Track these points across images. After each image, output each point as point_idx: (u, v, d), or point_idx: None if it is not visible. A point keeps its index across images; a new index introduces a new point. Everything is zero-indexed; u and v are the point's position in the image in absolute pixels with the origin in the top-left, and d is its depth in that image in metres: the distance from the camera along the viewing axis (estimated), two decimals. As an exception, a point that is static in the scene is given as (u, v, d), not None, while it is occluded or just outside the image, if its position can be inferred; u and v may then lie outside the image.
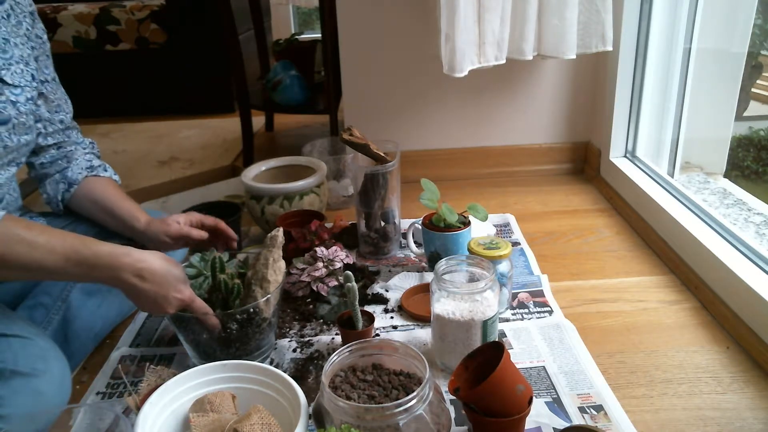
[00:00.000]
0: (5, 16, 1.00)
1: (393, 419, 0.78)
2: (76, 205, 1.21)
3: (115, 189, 1.22)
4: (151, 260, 0.94)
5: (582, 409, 0.95)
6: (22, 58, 1.02)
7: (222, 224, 1.22)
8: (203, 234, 1.19)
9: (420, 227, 1.34)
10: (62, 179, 1.19)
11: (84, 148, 1.23)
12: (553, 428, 0.90)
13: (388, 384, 0.88)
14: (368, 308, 1.18)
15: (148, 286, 0.93)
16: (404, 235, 1.43)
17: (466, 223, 1.30)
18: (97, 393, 1.04)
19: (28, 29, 1.06)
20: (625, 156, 1.78)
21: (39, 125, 1.12)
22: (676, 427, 0.93)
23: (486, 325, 1.00)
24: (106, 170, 1.24)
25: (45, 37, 1.12)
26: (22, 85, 1.01)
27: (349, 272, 1.04)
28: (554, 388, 1.00)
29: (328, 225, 1.46)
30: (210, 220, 1.22)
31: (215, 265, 1.06)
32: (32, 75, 1.04)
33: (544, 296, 1.27)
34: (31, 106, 1.04)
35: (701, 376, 1.03)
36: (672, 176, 1.61)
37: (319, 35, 2.29)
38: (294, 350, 1.12)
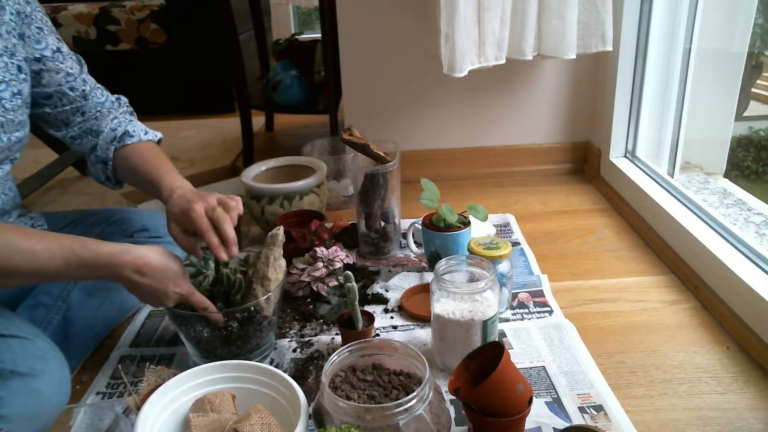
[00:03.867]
0: None
1: (393, 419, 0.78)
2: (122, 179, 1.20)
3: (141, 159, 1.14)
4: (150, 256, 0.94)
5: (582, 409, 0.95)
6: (6, 50, 0.97)
7: (225, 225, 1.00)
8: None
9: (420, 227, 1.34)
10: (97, 160, 1.16)
11: (109, 111, 1.16)
12: (553, 428, 0.90)
13: (388, 384, 0.88)
14: (368, 308, 1.18)
15: (147, 281, 0.93)
16: (404, 235, 1.43)
17: (466, 223, 1.30)
18: (97, 393, 1.04)
19: (12, 13, 0.99)
20: (625, 156, 1.78)
21: (53, 99, 1.08)
22: (676, 427, 0.93)
23: (486, 325, 1.00)
24: (132, 136, 1.16)
25: (30, 8, 1.03)
26: (6, 80, 0.97)
27: (349, 272, 1.04)
28: (554, 388, 1.00)
29: (328, 225, 1.46)
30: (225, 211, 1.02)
31: None
32: (18, 66, 0.99)
33: (544, 296, 1.27)
34: (19, 101, 1.00)
35: (701, 376, 1.03)
36: (672, 176, 1.61)
37: (319, 35, 2.29)
38: (294, 350, 1.12)
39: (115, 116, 1.17)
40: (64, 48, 1.10)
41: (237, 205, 1.04)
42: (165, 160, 1.15)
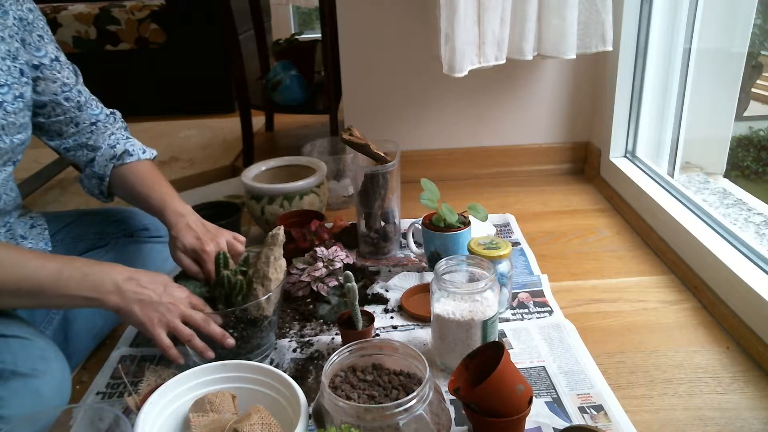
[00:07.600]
0: None
1: (393, 419, 0.78)
2: (117, 194, 1.22)
3: (141, 179, 1.16)
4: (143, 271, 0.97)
5: (582, 409, 0.95)
6: (9, 53, 0.97)
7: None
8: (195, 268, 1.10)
9: (420, 227, 1.34)
10: (93, 175, 1.17)
11: (105, 125, 1.17)
12: (553, 428, 0.90)
13: (388, 384, 0.88)
14: (368, 308, 1.18)
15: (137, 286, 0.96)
16: (404, 235, 1.43)
17: (466, 223, 1.30)
18: (97, 393, 1.04)
19: (15, 18, 0.99)
20: (625, 156, 1.78)
21: (47, 108, 1.08)
22: (676, 427, 0.93)
23: (486, 325, 1.00)
24: (131, 155, 1.17)
25: (32, 16, 1.03)
26: (9, 83, 0.97)
27: (349, 272, 1.04)
28: (554, 388, 1.00)
29: (328, 225, 1.46)
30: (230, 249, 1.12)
31: (219, 260, 1.06)
32: (21, 70, 1.00)
33: (544, 296, 1.27)
34: (21, 104, 0.99)
35: (701, 376, 1.03)
36: (672, 176, 1.61)
37: (319, 35, 2.29)
38: (294, 350, 1.12)
39: (112, 132, 1.19)
40: (62, 57, 1.10)
41: (242, 250, 1.14)
42: (164, 182, 1.18)
